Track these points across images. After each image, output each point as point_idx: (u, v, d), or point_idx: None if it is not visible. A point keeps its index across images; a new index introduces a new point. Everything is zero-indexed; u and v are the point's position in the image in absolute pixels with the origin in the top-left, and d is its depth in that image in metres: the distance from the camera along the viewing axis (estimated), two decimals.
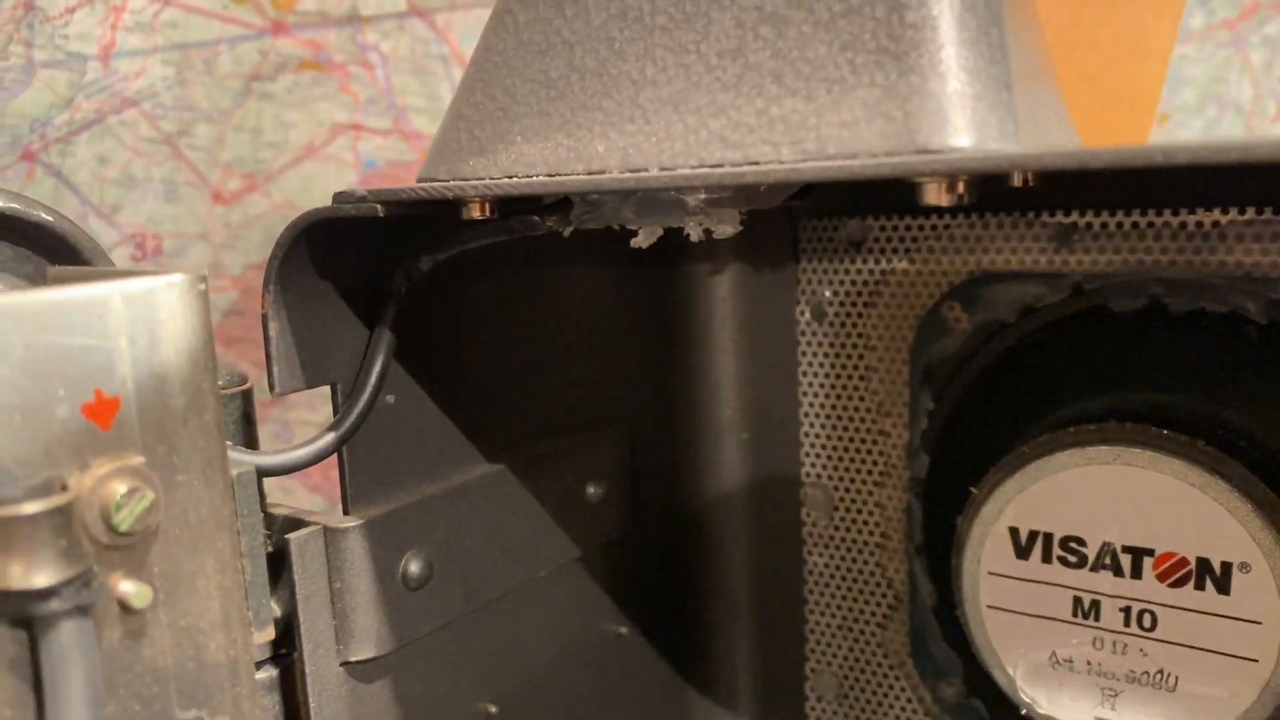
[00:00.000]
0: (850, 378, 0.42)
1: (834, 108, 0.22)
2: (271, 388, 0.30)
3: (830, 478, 0.43)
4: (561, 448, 0.39)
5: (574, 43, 0.26)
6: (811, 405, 0.43)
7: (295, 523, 0.32)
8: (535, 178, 0.26)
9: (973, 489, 0.34)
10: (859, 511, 0.43)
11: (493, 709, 0.37)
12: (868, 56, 0.21)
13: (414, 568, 0.33)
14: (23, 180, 0.61)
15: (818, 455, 0.44)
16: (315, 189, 0.66)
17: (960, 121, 0.20)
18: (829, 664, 0.45)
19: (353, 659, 0.32)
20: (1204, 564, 0.30)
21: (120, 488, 0.20)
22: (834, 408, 0.43)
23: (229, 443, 0.30)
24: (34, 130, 0.61)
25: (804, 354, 0.43)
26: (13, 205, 0.27)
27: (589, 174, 0.25)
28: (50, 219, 0.27)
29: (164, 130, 0.63)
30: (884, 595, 0.43)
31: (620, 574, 0.42)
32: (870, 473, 0.42)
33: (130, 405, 0.20)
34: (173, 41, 0.62)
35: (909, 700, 0.43)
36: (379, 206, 0.26)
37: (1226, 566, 0.30)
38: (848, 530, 0.43)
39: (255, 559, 0.26)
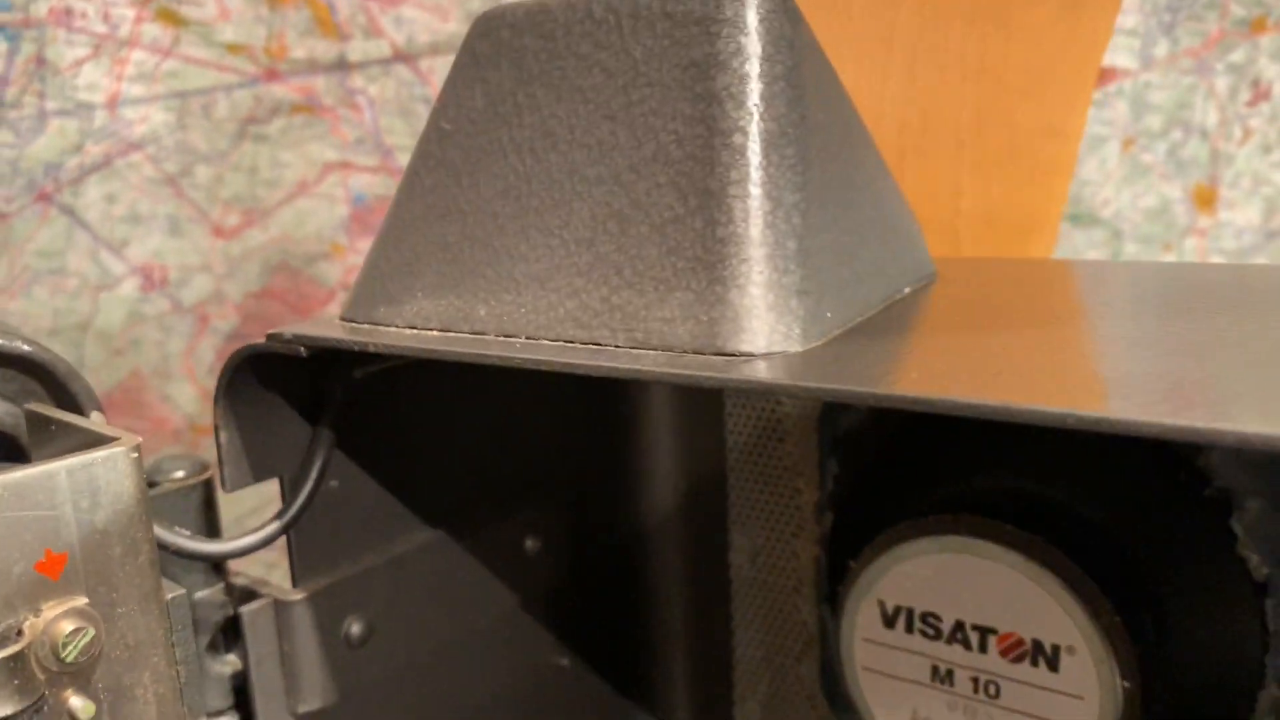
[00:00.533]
0: (769, 440, 0.46)
1: (659, 304, 0.26)
2: (222, 485, 0.35)
3: (752, 526, 0.48)
4: (500, 509, 0.43)
5: (467, 212, 0.30)
6: (737, 461, 0.48)
7: (249, 594, 0.37)
8: (431, 331, 0.30)
9: (851, 562, 0.39)
10: (778, 558, 0.47)
11: None
12: (687, 262, 0.25)
13: (355, 629, 0.38)
14: (39, 220, 0.66)
15: (741, 506, 0.48)
16: (309, 223, 0.70)
17: (755, 326, 0.24)
18: (754, 694, 0.49)
19: (301, 710, 0.37)
20: (1038, 644, 0.34)
21: (67, 626, 0.24)
22: (755, 465, 0.47)
23: (187, 533, 0.35)
24: (48, 174, 0.66)
25: (730, 415, 0.47)
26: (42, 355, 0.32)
27: (473, 334, 0.29)
28: (30, 349, 0.32)
29: (167, 171, 0.67)
30: (799, 635, 0.47)
31: (561, 613, 0.47)
32: (787, 524, 0.47)
33: (76, 558, 0.25)
34: (173, 90, 0.66)
35: None
36: (302, 349, 0.31)
37: (1056, 648, 0.34)
38: (768, 575, 0.48)
39: (189, 664, 0.30)
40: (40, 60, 0.64)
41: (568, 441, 0.46)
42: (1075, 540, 0.35)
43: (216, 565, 0.37)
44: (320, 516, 0.37)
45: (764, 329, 0.24)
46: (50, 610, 0.24)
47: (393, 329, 0.31)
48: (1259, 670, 0.35)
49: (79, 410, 0.33)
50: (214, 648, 0.37)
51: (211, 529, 0.37)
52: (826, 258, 0.26)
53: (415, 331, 0.30)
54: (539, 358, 0.25)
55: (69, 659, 0.24)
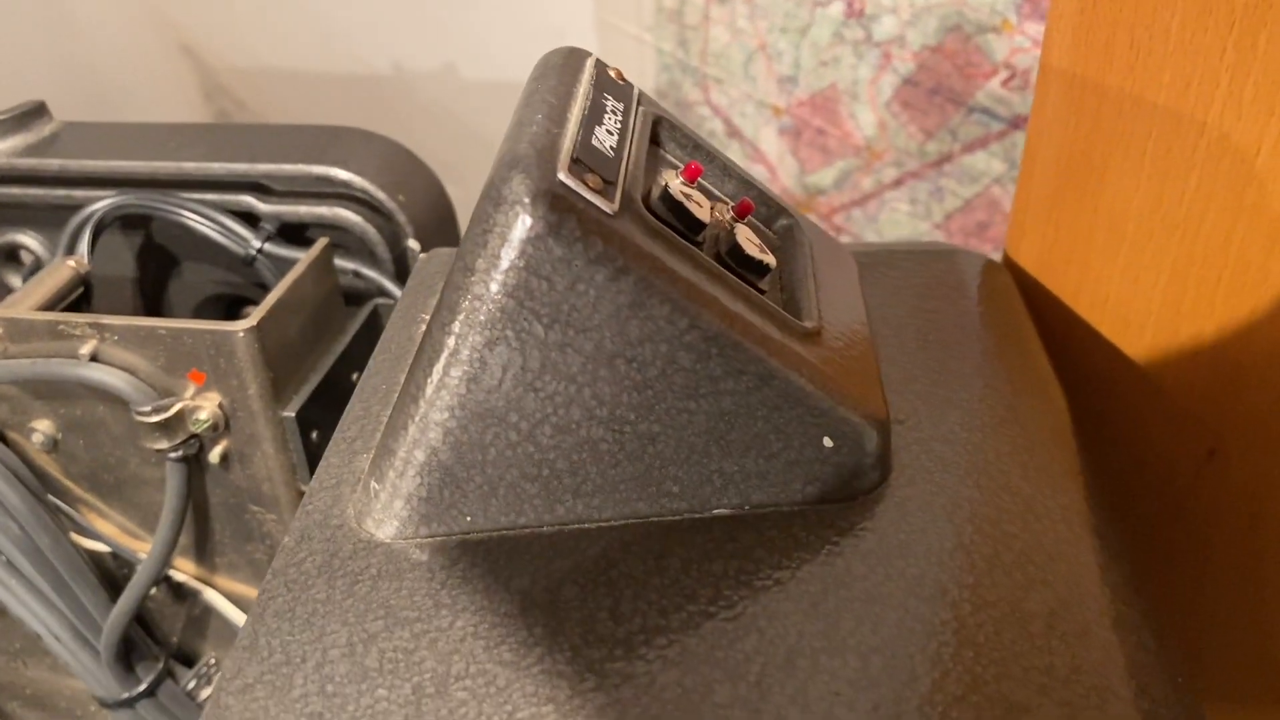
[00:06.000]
0: None
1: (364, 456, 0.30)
2: None
3: None
4: None
5: None
6: None
7: None
8: None
9: None
10: None
11: None
12: (381, 440, 0.30)
13: None
14: None
15: None
16: None
17: (365, 506, 0.29)
18: None
19: None
20: None
21: (201, 412, 0.42)
22: None
23: None
24: None
25: None
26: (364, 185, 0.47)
27: None
28: (366, 193, 0.47)
29: None
30: None
31: None
32: None
33: (210, 378, 0.42)
34: None
35: None
36: None
37: None
38: None
39: (295, 442, 0.45)
40: None
41: None
42: None
43: None
44: None
45: (370, 513, 0.29)
46: (197, 399, 0.42)
47: None
48: None
49: (399, 233, 0.48)
50: None
51: None
52: (480, 474, 0.28)
53: None
54: None
55: (198, 429, 0.42)
